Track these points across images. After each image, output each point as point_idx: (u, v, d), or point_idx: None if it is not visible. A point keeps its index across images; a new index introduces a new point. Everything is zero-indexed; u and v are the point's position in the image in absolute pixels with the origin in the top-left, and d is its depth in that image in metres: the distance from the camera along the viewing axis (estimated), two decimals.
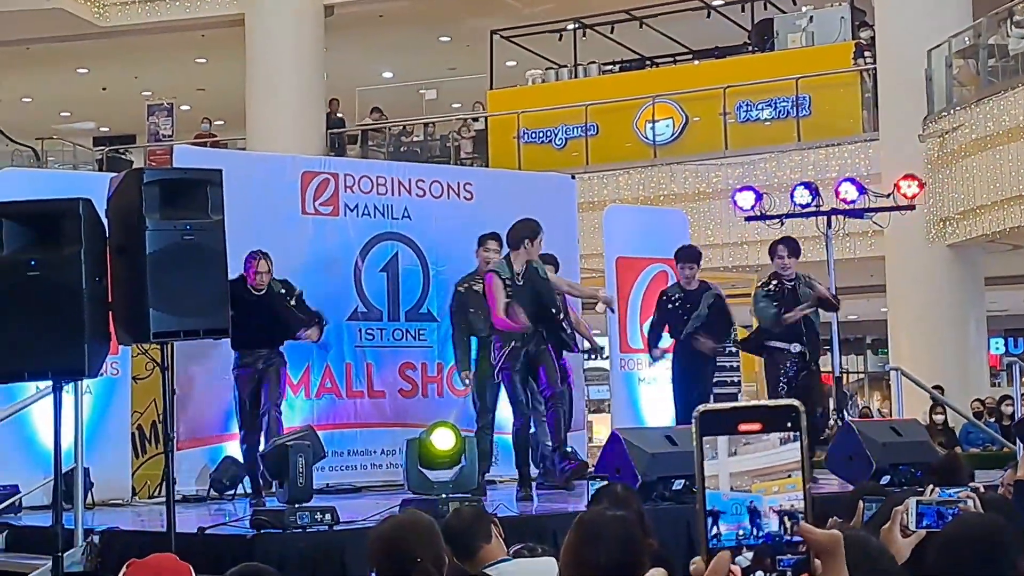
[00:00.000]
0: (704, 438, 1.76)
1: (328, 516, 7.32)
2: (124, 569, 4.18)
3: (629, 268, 12.00)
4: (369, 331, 11.28)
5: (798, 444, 1.75)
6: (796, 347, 10.46)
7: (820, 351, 11.07)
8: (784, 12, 20.74)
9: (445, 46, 24.47)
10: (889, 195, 12.71)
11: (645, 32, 21.64)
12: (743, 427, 1.77)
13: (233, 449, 10.43)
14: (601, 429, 14.82)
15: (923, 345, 17.26)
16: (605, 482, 6.94)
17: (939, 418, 15.81)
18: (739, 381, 15.17)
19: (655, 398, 11.59)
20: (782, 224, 13.14)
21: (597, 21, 21.86)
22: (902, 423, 10.31)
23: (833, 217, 12.77)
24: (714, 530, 1.74)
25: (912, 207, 12.99)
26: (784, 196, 13.72)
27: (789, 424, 1.76)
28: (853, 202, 12.41)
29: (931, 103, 17.56)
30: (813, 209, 12.61)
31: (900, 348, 17.80)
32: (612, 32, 21.86)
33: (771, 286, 10.63)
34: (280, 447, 7.73)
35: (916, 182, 12.75)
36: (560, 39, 22.10)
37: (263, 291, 9.86)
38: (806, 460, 1.75)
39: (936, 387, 15.36)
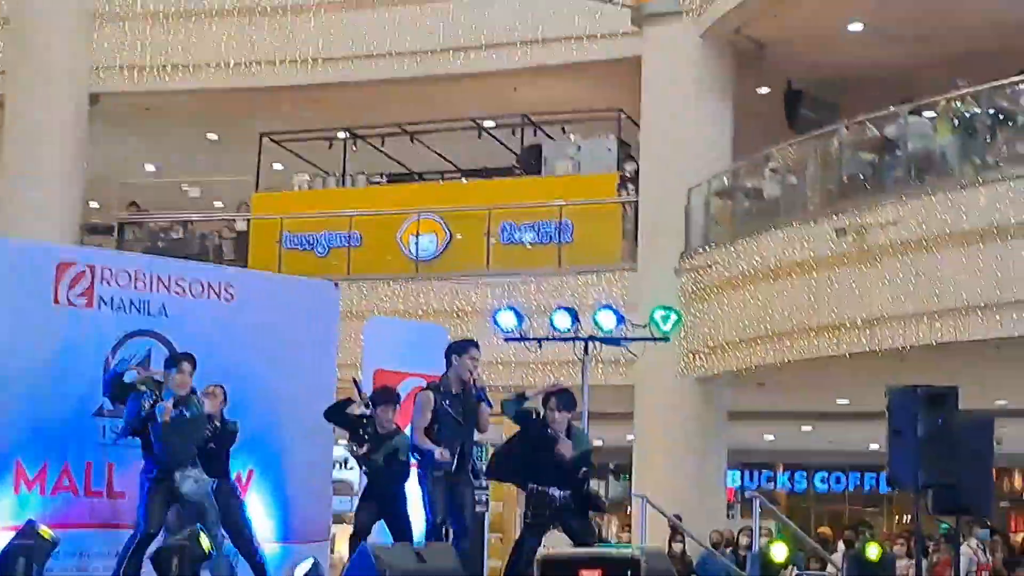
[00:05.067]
0: None
1: None
2: None
3: (388, 381, 11.93)
4: (115, 429, 10.91)
5: None
6: None
7: None
8: (553, 139, 21.18)
9: (212, 144, 24.19)
10: (645, 326, 12.99)
11: (416, 147, 21.81)
12: (584, 574, 1.85)
13: None
14: (342, 541, 14.60)
15: (666, 474, 17.57)
16: None
17: (678, 547, 16.05)
18: (487, 500, 15.16)
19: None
20: (540, 346, 13.29)
21: (368, 132, 21.95)
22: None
23: (590, 343, 12.97)
24: None
25: (666, 338, 13.31)
26: (543, 319, 13.91)
27: (629, 572, 1.84)
28: (611, 330, 12.64)
29: (689, 239, 18.12)
30: (572, 334, 12.79)
31: (644, 476, 18.07)
32: (383, 144, 21.96)
33: None
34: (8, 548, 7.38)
35: (672, 315, 13.06)
36: (330, 147, 22.10)
37: None
38: None
39: (676, 516, 15.68)
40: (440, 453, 9.82)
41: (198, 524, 9.69)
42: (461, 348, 10.26)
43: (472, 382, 10.13)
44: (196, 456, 10.23)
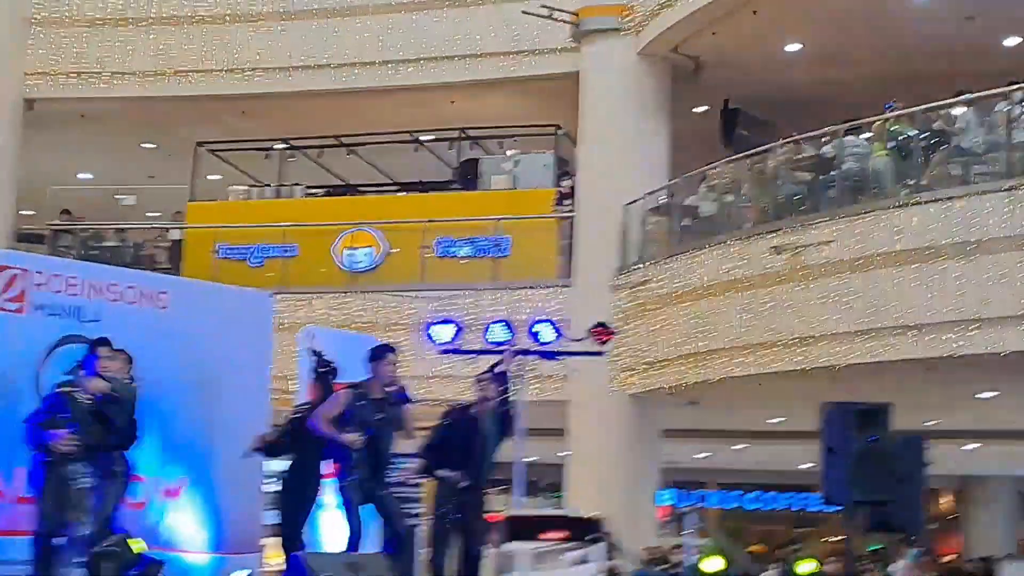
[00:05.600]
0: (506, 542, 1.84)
1: None
2: None
3: None
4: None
5: (593, 565, 1.87)
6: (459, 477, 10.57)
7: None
8: (490, 154, 21.18)
9: (148, 152, 24.02)
10: (581, 340, 13.00)
11: (353, 159, 21.75)
12: (546, 535, 1.86)
13: None
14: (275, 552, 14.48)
15: (598, 491, 17.57)
16: None
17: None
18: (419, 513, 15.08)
19: (334, 524, 11.40)
20: (476, 360, 13.26)
21: (306, 144, 21.87)
22: None
23: (525, 358, 12.96)
24: None
25: (601, 353, 13.32)
26: (478, 333, 13.88)
27: (592, 536, 1.86)
28: (548, 344, 12.64)
29: (625, 256, 18.17)
30: (507, 348, 12.77)
31: (575, 492, 18.07)
32: (320, 156, 21.89)
33: None
34: None
35: (608, 330, 13.09)
36: (267, 158, 22.00)
37: None
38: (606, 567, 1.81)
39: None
40: (349, 439, 9.79)
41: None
42: (379, 353, 10.28)
43: (393, 385, 10.17)
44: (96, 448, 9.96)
